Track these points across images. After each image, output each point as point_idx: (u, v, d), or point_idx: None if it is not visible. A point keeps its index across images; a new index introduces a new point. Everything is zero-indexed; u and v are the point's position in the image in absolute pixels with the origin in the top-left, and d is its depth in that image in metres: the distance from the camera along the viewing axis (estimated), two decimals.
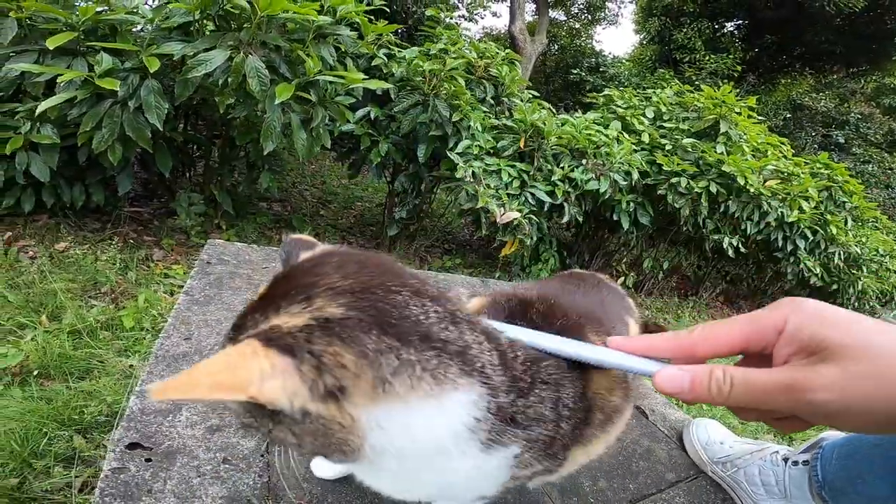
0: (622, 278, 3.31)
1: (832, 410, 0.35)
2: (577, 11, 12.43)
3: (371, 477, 0.47)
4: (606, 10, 12.25)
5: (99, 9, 1.82)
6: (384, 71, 2.55)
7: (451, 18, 5.29)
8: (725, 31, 10.48)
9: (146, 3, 2.11)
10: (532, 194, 2.36)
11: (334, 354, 0.34)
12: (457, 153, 2.31)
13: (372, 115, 2.45)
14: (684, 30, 9.30)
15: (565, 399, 0.45)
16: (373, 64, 2.55)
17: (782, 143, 3.53)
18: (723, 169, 2.85)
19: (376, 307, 0.36)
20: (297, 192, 3.78)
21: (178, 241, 2.34)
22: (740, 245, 3.07)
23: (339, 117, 2.16)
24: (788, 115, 9.65)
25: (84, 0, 2.02)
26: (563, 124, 2.71)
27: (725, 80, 7.08)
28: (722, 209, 2.94)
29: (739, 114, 3.32)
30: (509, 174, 2.34)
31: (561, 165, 2.50)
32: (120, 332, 1.66)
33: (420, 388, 0.36)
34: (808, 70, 10.78)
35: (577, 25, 12.53)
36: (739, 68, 8.30)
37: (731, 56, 8.36)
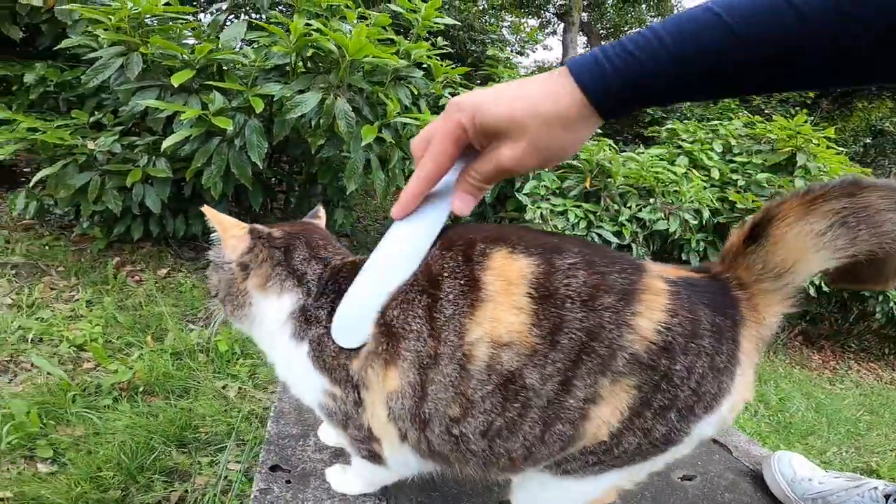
0: None
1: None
2: None
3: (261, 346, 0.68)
4: None
5: (211, 48, 1.93)
6: None
7: (504, 54, 5.44)
8: None
9: (242, 44, 2.28)
10: (599, 235, 2.35)
11: (260, 250, 0.62)
12: (524, 194, 2.35)
13: None
14: None
15: (332, 308, 0.58)
16: (439, 104, 2.68)
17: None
18: None
19: (290, 243, 0.63)
20: (362, 227, 3.94)
21: None
22: (822, 283, 2.88)
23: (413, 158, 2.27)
24: (869, 142, 9.01)
25: (197, 39, 2.19)
26: (625, 162, 2.70)
27: (797, 108, 6.75)
28: None
29: (817, 145, 3.16)
30: (576, 215, 2.35)
31: (628, 205, 2.49)
32: (214, 356, 1.79)
33: (276, 288, 0.61)
34: (886, 92, 10.05)
35: None
36: (812, 94, 7.88)
37: None
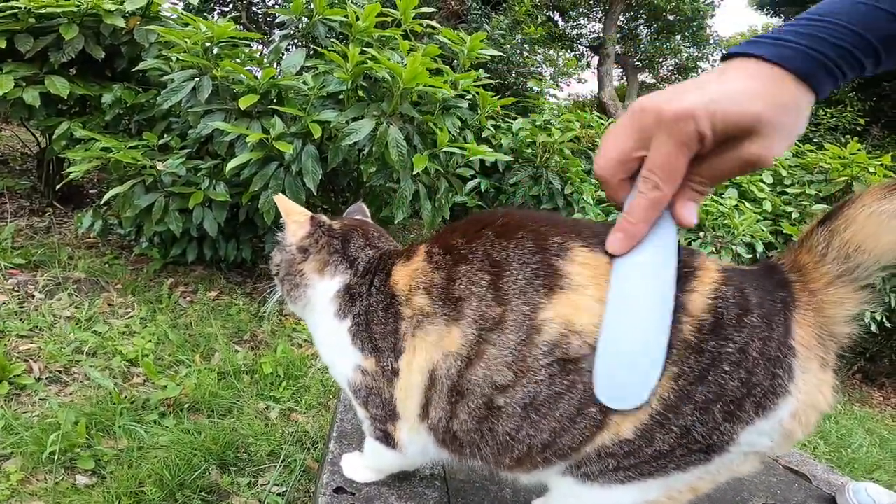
0: None
1: None
2: (666, 73, 12.33)
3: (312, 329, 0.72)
4: (698, 71, 12.03)
5: (274, 74, 1.97)
6: (492, 142, 2.69)
7: (547, 86, 5.50)
8: None
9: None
10: None
11: (319, 236, 0.67)
12: None
13: (482, 187, 2.57)
14: None
15: (376, 282, 0.62)
16: (482, 135, 2.71)
17: None
18: None
19: (346, 234, 0.68)
20: None
21: None
22: (884, 319, 2.72)
23: (457, 188, 2.28)
24: None
25: (258, 66, 2.24)
26: None
27: (848, 136, 6.52)
28: None
29: (874, 173, 3.02)
30: None
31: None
32: (259, 377, 1.80)
33: (330, 272, 0.66)
34: None
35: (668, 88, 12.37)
36: (863, 121, 7.59)
37: (849, 109, 7.71)
